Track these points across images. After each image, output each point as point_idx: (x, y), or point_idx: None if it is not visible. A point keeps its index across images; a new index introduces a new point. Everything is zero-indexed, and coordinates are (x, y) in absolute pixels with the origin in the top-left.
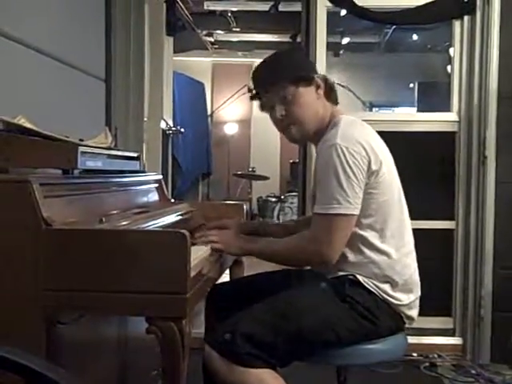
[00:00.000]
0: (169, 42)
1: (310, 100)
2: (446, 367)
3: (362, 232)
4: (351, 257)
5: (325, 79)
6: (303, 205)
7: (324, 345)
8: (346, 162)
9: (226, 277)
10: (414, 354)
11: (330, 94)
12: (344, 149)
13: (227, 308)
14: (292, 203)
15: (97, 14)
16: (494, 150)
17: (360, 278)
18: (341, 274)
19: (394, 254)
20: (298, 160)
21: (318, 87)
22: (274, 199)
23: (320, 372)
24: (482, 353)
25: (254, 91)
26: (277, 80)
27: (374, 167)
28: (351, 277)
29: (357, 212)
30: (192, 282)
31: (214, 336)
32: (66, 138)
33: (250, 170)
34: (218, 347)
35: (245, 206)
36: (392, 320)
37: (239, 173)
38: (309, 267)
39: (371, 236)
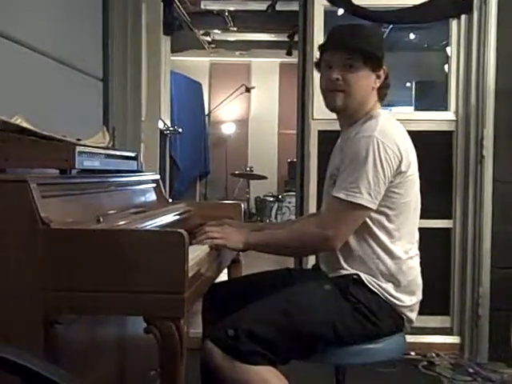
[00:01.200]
0: (166, 42)
1: (365, 82)
2: (444, 366)
3: (374, 227)
4: (359, 251)
5: (386, 74)
6: (301, 204)
7: (324, 343)
8: (378, 155)
9: (223, 276)
10: (412, 353)
11: (382, 89)
12: (380, 143)
13: (225, 307)
14: (290, 203)
15: (94, 14)
16: (492, 149)
17: (363, 277)
18: (344, 272)
19: (401, 255)
20: (295, 159)
21: (378, 77)
22: (271, 199)
23: (318, 370)
24: (479, 351)
25: (325, 44)
26: (356, 48)
27: (403, 168)
28: (355, 276)
29: (374, 207)
30: (190, 282)
31: (217, 332)
32: (64, 138)
33: (248, 169)
34: (221, 344)
35: (242, 206)
36: (393, 321)
37: (237, 172)
38: (310, 267)
39: (382, 234)
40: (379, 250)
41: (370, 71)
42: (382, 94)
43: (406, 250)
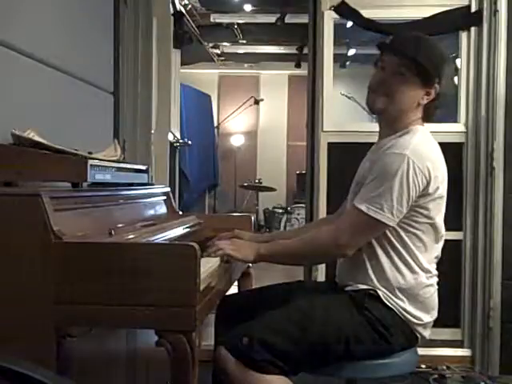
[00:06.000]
0: (176, 55)
1: (411, 94)
2: (455, 379)
3: (398, 245)
4: (383, 260)
5: (437, 94)
6: (311, 216)
7: (336, 357)
8: (406, 175)
9: (234, 289)
10: (423, 366)
11: (430, 108)
12: (411, 162)
13: (237, 319)
14: (299, 214)
15: (105, 27)
16: (502, 161)
17: (380, 293)
18: (361, 287)
19: (420, 271)
20: (304, 171)
21: (427, 94)
22: (280, 210)
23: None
24: (491, 364)
25: (386, 45)
26: (412, 58)
27: (429, 190)
28: (372, 291)
29: (394, 224)
30: (201, 295)
31: (232, 340)
32: (76, 152)
33: (257, 181)
34: (235, 352)
35: (253, 218)
36: (405, 338)
37: (246, 184)
38: (323, 280)
39: (405, 252)
40: (401, 265)
41: (419, 85)
42: (429, 113)
43: (426, 269)
